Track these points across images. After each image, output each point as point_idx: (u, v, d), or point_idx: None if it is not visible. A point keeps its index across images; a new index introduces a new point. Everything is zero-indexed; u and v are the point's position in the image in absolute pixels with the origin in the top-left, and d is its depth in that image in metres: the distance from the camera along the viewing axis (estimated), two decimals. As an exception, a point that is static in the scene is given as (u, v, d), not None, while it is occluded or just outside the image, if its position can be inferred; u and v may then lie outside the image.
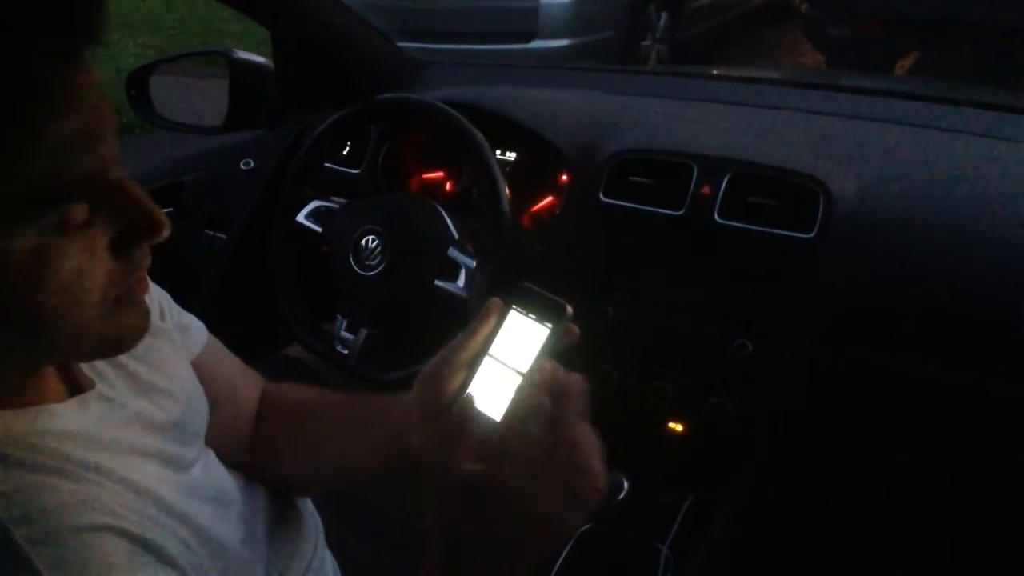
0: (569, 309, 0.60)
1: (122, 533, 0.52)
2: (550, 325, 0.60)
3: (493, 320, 0.63)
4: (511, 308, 0.62)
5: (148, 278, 0.56)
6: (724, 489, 1.19)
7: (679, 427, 1.20)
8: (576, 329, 0.61)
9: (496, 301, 0.63)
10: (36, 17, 0.42)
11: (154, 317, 0.57)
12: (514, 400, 0.57)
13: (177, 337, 0.72)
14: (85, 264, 0.48)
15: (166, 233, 0.51)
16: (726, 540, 1.17)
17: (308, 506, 0.86)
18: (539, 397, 0.56)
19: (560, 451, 0.54)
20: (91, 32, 0.45)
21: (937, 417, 1.06)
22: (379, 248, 1.18)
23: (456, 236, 1.18)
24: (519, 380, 0.59)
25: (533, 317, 0.61)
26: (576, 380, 0.57)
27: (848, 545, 1.21)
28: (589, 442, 0.54)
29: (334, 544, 0.87)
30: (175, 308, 0.74)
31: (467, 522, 0.56)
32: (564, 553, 1.18)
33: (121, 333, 0.53)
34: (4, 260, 0.45)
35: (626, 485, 1.20)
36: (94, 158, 0.47)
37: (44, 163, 0.44)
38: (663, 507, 1.20)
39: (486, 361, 0.62)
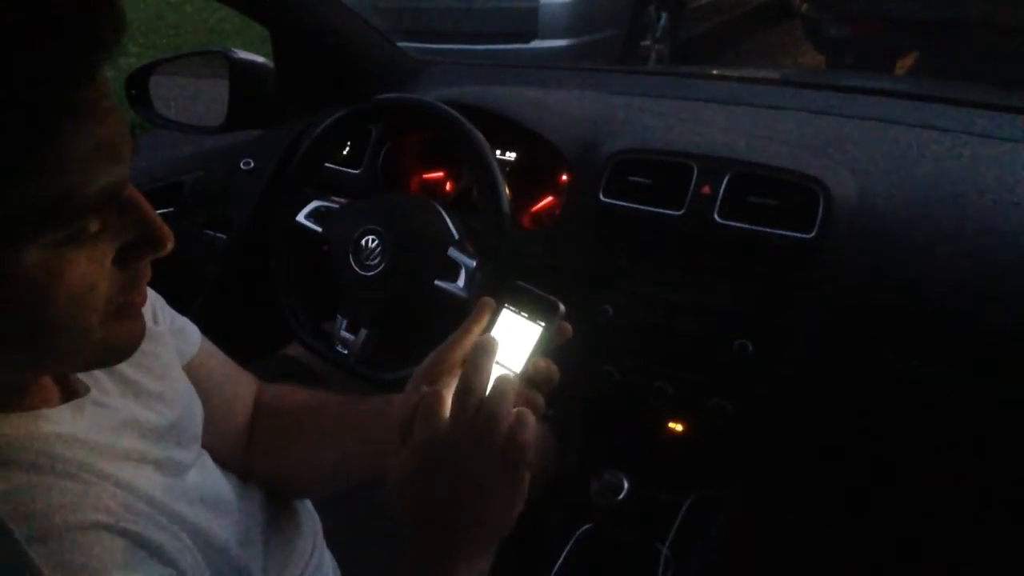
0: (562, 307, 0.60)
1: (121, 532, 0.52)
2: (543, 323, 0.60)
3: (486, 319, 0.63)
4: (504, 307, 0.62)
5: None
6: (724, 489, 1.19)
7: (679, 427, 1.20)
8: (569, 327, 0.62)
9: (488, 300, 0.63)
10: (61, 31, 0.42)
11: (147, 320, 0.57)
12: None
13: (171, 340, 0.72)
14: (91, 275, 0.48)
15: (169, 247, 0.52)
16: (726, 540, 1.17)
17: (307, 506, 0.86)
18: (534, 395, 0.57)
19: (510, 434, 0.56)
20: (113, 45, 0.45)
21: (937, 417, 1.06)
22: (379, 248, 1.18)
23: (456, 236, 1.18)
24: (513, 379, 0.59)
25: (526, 316, 0.61)
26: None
27: (848, 545, 1.21)
28: (531, 420, 0.57)
29: (334, 544, 0.87)
30: (168, 311, 0.74)
31: (423, 506, 0.58)
32: (564, 553, 1.18)
33: (119, 343, 0.53)
34: (17, 270, 0.45)
35: (626, 485, 1.20)
36: (112, 174, 0.47)
37: (66, 177, 0.44)
38: (663, 507, 1.20)
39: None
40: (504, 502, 0.58)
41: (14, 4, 0.42)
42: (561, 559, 1.17)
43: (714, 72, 1.90)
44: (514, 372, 0.60)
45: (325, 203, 1.29)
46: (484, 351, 0.58)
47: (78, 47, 0.43)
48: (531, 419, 0.57)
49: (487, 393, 0.57)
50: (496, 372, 0.59)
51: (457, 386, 0.57)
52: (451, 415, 0.56)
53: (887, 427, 1.11)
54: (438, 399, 0.57)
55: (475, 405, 0.56)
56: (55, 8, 0.42)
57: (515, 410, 0.57)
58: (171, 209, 1.55)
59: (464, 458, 0.56)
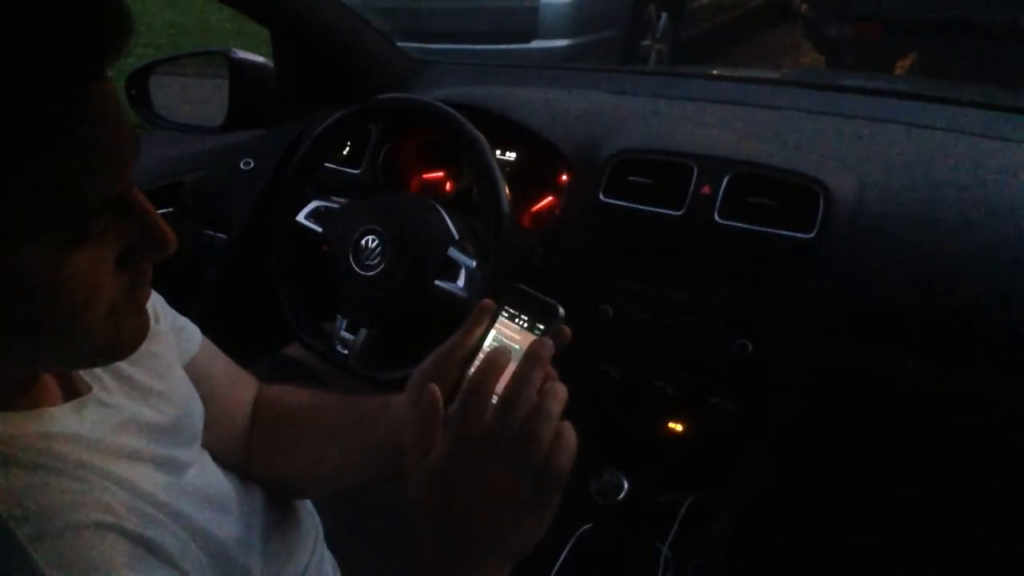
0: (561, 310, 0.61)
1: (122, 531, 0.52)
2: (542, 327, 0.61)
3: (486, 321, 0.63)
4: (503, 309, 0.63)
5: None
6: (724, 489, 1.19)
7: (679, 427, 1.20)
8: (568, 331, 0.62)
9: (488, 302, 0.63)
10: (67, 33, 0.42)
11: (149, 320, 0.57)
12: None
13: (172, 340, 0.72)
14: (94, 276, 0.48)
15: (172, 249, 0.52)
16: (726, 540, 1.17)
17: (307, 506, 0.86)
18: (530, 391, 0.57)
19: (545, 448, 0.54)
20: (119, 48, 0.45)
21: (937, 417, 1.06)
22: (379, 248, 1.18)
23: (456, 236, 1.18)
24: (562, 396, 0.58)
25: (525, 318, 0.61)
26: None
27: (848, 545, 1.21)
28: (571, 443, 0.55)
29: (334, 544, 0.87)
30: (169, 311, 0.74)
31: (448, 513, 0.56)
32: (564, 553, 1.18)
33: (121, 342, 0.54)
34: (20, 270, 0.45)
35: (626, 485, 1.20)
36: (116, 176, 0.47)
37: (70, 179, 0.44)
38: (663, 507, 1.20)
39: (479, 361, 0.62)
40: (530, 521, 0.56)
41: (21, 5, 0.42)
42: (561, 559, 1.17)
43: (714, 72, 1.90)
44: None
45: (325, 203, 1.29)
46: (535, 361, 0.55)
47: (84, 49, 0.44)
48: (572, 441, 0.55)
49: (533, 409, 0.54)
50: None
51: (503, 395, 0.54)
52: (493, 425, 0.54)
53: (887, 427, 1.11)
54: (477, 404, 0.55)
55: (519, 421, 0.54)
56: (62, 10, 0.42)
57: (557, 426, 0.54)
58: (171, 209, 1.55)
59: (497, 472, 0.54)
